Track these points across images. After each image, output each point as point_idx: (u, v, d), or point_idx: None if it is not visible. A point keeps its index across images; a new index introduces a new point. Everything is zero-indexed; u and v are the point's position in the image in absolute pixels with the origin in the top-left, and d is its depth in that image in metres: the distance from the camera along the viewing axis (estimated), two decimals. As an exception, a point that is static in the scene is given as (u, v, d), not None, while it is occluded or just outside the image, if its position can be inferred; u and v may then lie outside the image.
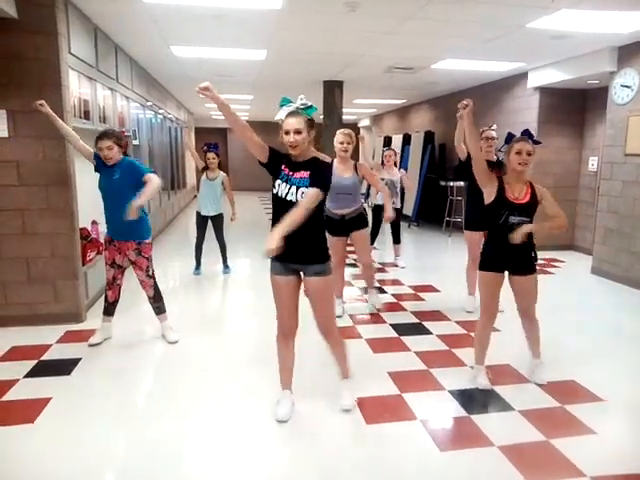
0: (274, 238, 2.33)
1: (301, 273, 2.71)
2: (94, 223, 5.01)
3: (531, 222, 3.01)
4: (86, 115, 4.85)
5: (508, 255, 3.07)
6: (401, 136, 11.82)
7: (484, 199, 3.11)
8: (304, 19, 4.85)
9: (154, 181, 3.55)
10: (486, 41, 5.58)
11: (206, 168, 5.88)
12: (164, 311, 3.97)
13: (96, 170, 3.68)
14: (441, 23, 4.89)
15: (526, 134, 3.06)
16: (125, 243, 3.69)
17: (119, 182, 3.55)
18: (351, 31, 5.23)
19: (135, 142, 7.03)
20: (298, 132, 2.50)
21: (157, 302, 3.92)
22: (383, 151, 6.79)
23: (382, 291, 5.44)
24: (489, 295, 3.17)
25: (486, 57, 6.46)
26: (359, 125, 17.73)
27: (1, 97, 3.88)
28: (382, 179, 6.35)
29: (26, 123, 3.94)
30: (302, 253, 2.63)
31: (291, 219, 2.41)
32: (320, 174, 2.56)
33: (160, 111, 9.36)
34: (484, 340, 3.24)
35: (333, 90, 8.66)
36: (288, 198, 2.54)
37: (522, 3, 4.23)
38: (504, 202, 3.00)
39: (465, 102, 2.99)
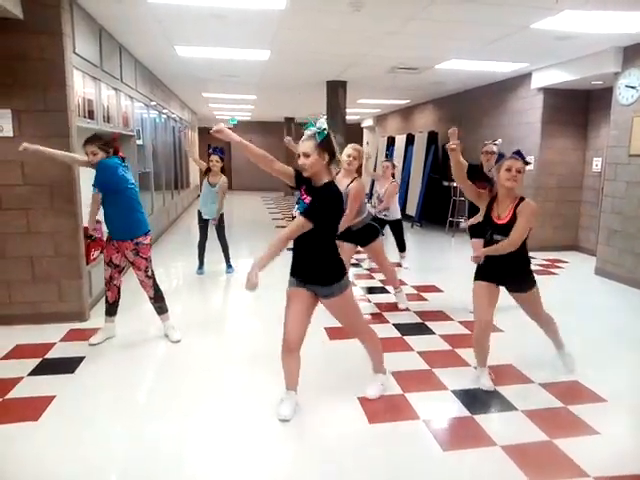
0: (251, 277, 2.40)
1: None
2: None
3: None
4: (90, 115, 4.86)
5: (499, 269, 3.11)
6: (405, 136, 11.82)
7: None
8: (308, 19, 4.86)
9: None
10: (490, 42, 5.57)
11: (208, 170, 5.89)
12: (166, 310, 3.97)
13: None
14: (445, 23, 4.89)
15: (517, 154, 3.10)
16: (123, 243, 3.71)
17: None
18: (355, 31, 5.23)
19: (139, 142, 7.05)
20: (306, 155, 2.54)
21: (158, 302, 3.93)
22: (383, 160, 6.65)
23: (385, 291, 5.44)
24: (477, 304, 3.19)
25: (490, 57, 6.45)
26: (362, 125, 17.73)
27: (6, 97, 3.90)
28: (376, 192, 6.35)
29: (31, 123, 3.96)
30: (311, 274, 2.70)
31: (269, 251, 2.47)
32: (316, 204, 2.54)
33: (164, 111, 9.38)
34: (484, 346, 3.22)
35: (337, 90, 8.65)
36: None
37: (526, 4, 4.22)
38: (489, 221, 3.11)
39: (454, 145, 3.00)
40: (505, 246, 2.98)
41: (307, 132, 2.59)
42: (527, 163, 3.09)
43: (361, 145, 4.47)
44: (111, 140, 3.76)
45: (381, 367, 3.11)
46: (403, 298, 4.89)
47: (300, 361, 2.83)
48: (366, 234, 4.41)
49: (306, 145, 2.55)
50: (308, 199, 2.59)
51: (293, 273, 2.77)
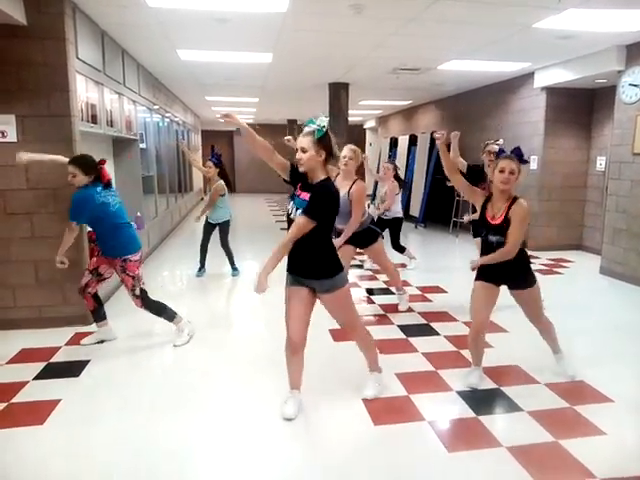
0: (261, 281, 2.52)
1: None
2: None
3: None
4: (93, 119, 4.88)
5: (499, 268, 3.04)
6: (407, 137, 11.81)
7: None
8: (309, 22, 4.87)
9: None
10: (492, 42, 5.56)
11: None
12: (174, 317, 3.91)
13: None
14: (446, 24, 4.88)
15: (515, 152, 3.02)
16: (113, 260, 3.68)
17: None
18: (356, 33, 5.23)
19: (142, 145, 7.08)
20: (303, 150, 2.56)
21: (160, 315, 3.88)
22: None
23: (389, 292, 5.43)
24: (474, 304, 3.16)
25: (492, 57, 6.44)
26: (365, 127, 17.73)
27: (10, 102, 3.93)
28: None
29: (34, 128, 3.98)
30: (309, 269, 2.70)
31: (274, 257, 2.54)
32: (315, 201, 2.53)
33: (167, 114, 9.41)
34: (478, 345, 3.21)
35: (339, 92, 8.66)
36: (292, 217, 2.63)
37: (528, 3, 4.21)
38: (484, 222, 3.07)
39: (438, 135, 3.21)
40: (502, 255, 2.94)
41: (306, 128, 2.60)
42: (524, 162, 3.02)
43: (364, 146, 4.43)
44: (97, 163, 3.66)
45: (376, 366, 3.11)
46: (405, 300, 4.86)
47: (304, 361, 2.84)
48: (366, 237, 4.40)
49: (304, 140, 2.57)
50: (304, 195, 2.60)
51: (291, 270, 2.76)
